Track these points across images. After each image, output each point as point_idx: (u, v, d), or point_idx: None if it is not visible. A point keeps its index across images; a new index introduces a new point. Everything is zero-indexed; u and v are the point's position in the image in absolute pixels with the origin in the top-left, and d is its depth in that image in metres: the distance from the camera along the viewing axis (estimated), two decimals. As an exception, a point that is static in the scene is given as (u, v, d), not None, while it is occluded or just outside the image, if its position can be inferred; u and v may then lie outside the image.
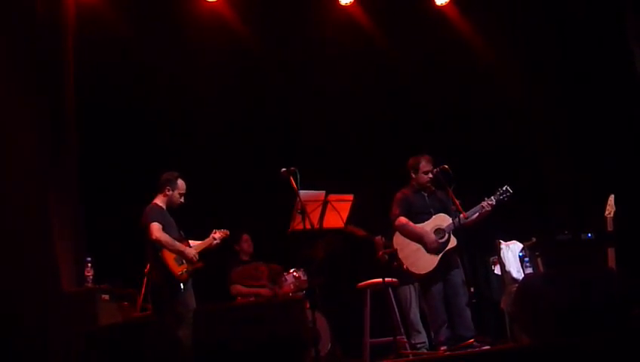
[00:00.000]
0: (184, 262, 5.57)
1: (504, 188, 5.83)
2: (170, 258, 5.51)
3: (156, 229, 5.49)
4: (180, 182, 5.78)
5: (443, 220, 5.77)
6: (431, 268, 5.70)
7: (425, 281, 5.81)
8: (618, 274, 5.31)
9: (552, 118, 7.72)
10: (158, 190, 5.77)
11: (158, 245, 5.49)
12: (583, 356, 3.98)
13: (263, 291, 6.99)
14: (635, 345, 4.04)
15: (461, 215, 5.65)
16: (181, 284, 5.49)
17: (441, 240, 5.71)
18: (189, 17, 7.59)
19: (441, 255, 5.70)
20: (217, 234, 5.87)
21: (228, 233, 5.98)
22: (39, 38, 6.17)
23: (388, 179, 6.69)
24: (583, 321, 4.20)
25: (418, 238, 5.76)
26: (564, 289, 4.37)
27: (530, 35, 7.76)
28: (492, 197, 5.79)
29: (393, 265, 5.86)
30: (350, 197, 5.79)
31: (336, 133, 8.05)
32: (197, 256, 5.63)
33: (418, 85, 8.00)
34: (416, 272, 5.77)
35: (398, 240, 5.85)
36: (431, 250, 5.71)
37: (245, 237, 7.33)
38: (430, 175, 5.89)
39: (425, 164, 5.92)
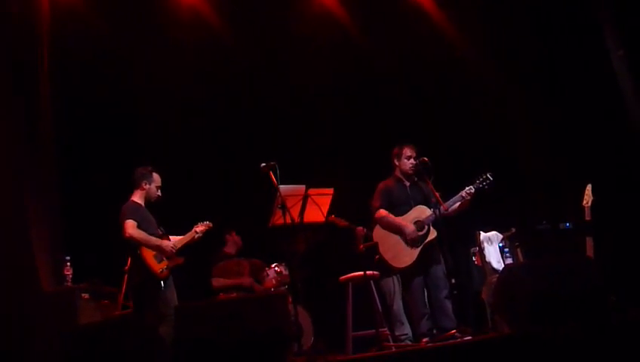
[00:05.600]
0: (164, 258, 5.54)
1: (485, 176, 5.83)
2: (149, 256, 5.47)
3: (129, 226, 5.43)
4: (156, 176, 5.76)
5: (422, 212, 5.78)
6: (411, 262, 5.71)
7: (405, 274, 5.82)
8: (596, 263, 5.36)
9: (529, 109, 7.77)
10: (134, 186, 5.73)
11: (133, 242, 5.45)
12: (562, 344, 4.02)
13: (243, 280, 7.00)
14: (612, 332, 4.09)
15: (441, 207, 5.67)
16: (161, 282, 5.46)
17: (420, 233, 5.72)
18: (166, 12, 7.54)
19: (420, 248, 5.71)
20: (199, 228, 5.82)
21: (211, 225, 5.95)
22: (14, 37, 6.12)
23: (367, 172, 6.70)
24: (562, 310, 4.24)
25: (397, 230, 5.76)
26: (543, 278, 4.41)
27: (506, 25, 7.79)
28: (472, 186, 5.80)
29: (375, 258, 5.87)
30: (330, 191, 5.79)
31: (316, 127, 8.05)
32: (175, 249, 5.59)
33: (396, 78, 8.02)
34: (396, 266, 5.78)
35: (378, 232, 5.85)
36: (410, 241, 5.72)
37: (234, 233, 7.36)
38: (413, 160, 5.89)
39: (407, 150, 5.94)
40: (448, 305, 5.66)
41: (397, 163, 6.00)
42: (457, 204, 5.79)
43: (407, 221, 5.77)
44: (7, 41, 6.09)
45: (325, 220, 5.86)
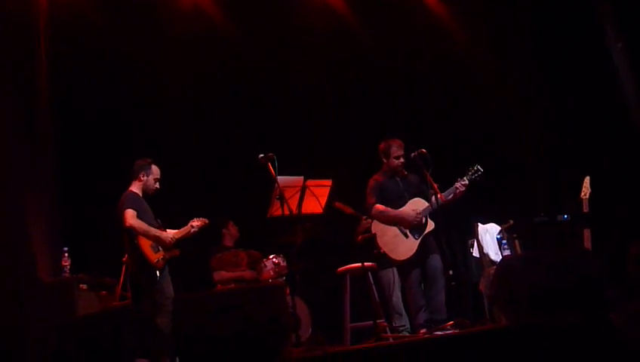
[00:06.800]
0: (160, 249, 5.55)
1: (475, 168, 5.84)
2: (146, 245, 5.47)
3: (130, 216, 5.44)
4: (154, 168, 5.78)
5: (419, 204, 5.77)
6: (410, 254, 5.69)
7: (403, 266, 5.82)
8: (594, 255, 5.37)
9: (528, 101, 7.77)
10: (132, 177, 5.75)
11: (133, 232, 5.45)
12: (560, 336, 4.03)
13: (246, 274, 7.00)
14: (609, 325, 4.10)
15: (439, 198, 5.66)
16: (157, 272, 5.46)
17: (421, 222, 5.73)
18: (165, 5, 7.51)
19: (420, 239, 5.71)
20: (195, 223, 5.84)
21: (207, 221, 5.96)
22: (12, 31, 6.12)
23: (366, 164, 6.69)
24: (560, 302, 4.25)
25: (397, 221, 5.75)
26: (541, 270, 4.41)
27: (506, 18, 7.78)
28: (465, 178, 5.81)
29: (374, 252, 5.86)
30: (329, 182, 5.79)
31: (314, 118, 8.03)
32: (173, 241, 5.60)
33: (395, 69, 8.00)
34: (396, 258, 5.78)
35: (377, 227, 5.82)
36: (413, 228, 5.69)
37: (231, 223, 7.35)
38: (402, 160, 5.89)
39: (396, 149, 5.91)
40: (441, 297, 5.67)
41: (385, 160, 5.98)
42: (451, 195, 5.80)
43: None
44: (5, 35, 6.07)
45: (330, 206, 5.85)
